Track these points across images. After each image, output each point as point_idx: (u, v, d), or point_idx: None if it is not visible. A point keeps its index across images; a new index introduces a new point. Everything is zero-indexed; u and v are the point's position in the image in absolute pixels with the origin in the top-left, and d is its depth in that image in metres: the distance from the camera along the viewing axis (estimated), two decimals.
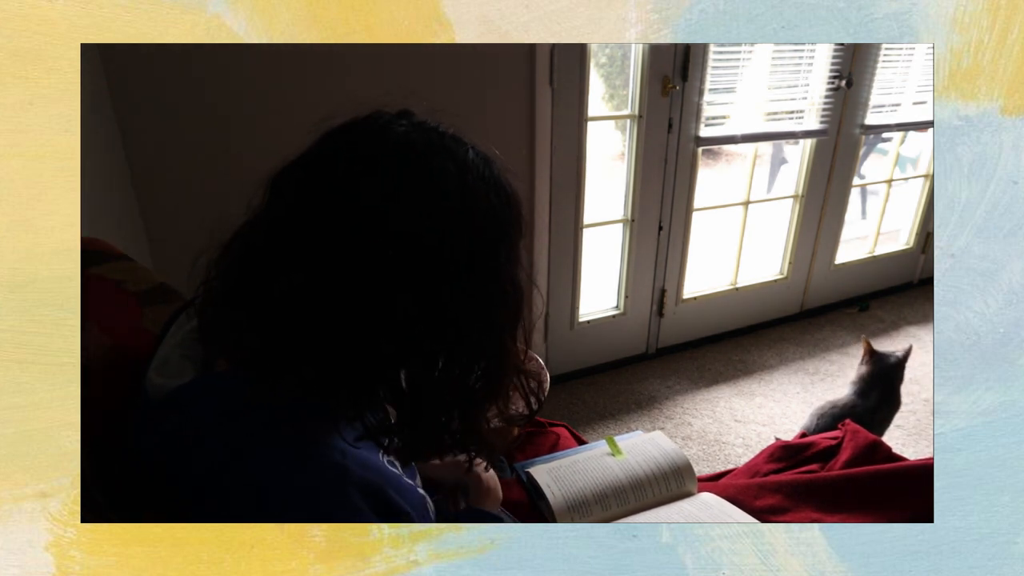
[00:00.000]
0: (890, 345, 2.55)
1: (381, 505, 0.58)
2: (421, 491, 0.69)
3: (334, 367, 0.55)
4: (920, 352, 2.51)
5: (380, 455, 0.65)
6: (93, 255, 0.86)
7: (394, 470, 0.64)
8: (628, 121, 2.10)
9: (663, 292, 2.37)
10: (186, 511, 0.57)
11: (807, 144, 2.48)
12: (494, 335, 0.58)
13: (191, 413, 0.57)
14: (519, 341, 0.61)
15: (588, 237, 2.15)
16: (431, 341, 0.56)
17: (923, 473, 0.92)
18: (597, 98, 4.46)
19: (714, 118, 2.21)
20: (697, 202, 2.32)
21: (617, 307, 2.35)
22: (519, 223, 0.59)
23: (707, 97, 2.14)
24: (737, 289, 2.56)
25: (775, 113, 2.35)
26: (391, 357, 0.56)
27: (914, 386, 2.25)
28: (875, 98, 2.49)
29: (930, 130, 2.82)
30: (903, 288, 3.04)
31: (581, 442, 1.13)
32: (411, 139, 0.56)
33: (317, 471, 0.55)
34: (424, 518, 0.66)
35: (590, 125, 1.98)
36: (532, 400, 0.65)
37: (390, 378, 0.58)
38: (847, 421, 1.10)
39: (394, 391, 0.58)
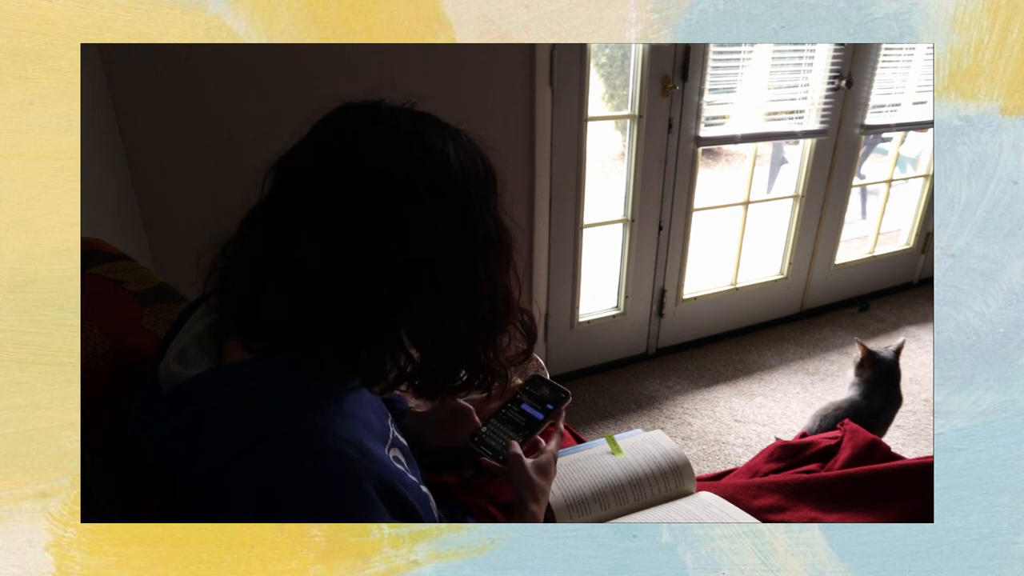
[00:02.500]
0: (889, 345, 2.56)
1: (391, 498, 0.60)
2: (424, 489, 0.69)
3: (352, 333, 0.58)
4: (920, 352, 2.51)
5: (386, 450, 0.65)
6: (93, 255, 0.86)
7: (399, 467, 0.65)
8: (628, 121, 2.10)
9: (663, 292, 2.37)
10: (193, 506, 0.57)
11: (807, 144, 2.48)
12: (492, 275, 0.63)
13: (197, 407, 0.57)
14: (512, 279, 0.66)
15: (588, 237, 2.15)
16: (434, 290, 0.60)
17: (923, 472, 0.92)
18: (597, 98, 4.46)
19: (714, 118, 2.21)
20: (697, 202, 2.32)
21: (617, 307, 2.35)
22: (495, 179, 0.65)
23: (707, 97, 2.14)
24: (737, 289, 2.56)
25: (775, 113, 2.35)
26: (401, 312, 0.60)
27: (914, 386, 2.25)
28: (875, 98, 2.49)
29: (930, 130, 2.83)
30: (903, 288, 3.04)
31: (580, 442, 1.13)
32: (397, 113, 0.61)
33: (331, 464, 0.55)
34: (428, 514, 0.66)
35: (590, 125, 1.98)
36: (526, 334, 0.71)
37: (400, 333, 0.62)
38: (846, 421, 1.10)
39: (408, 341, 0.62)
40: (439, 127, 0.62)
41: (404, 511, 0.62)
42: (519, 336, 0.71)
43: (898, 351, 1.68)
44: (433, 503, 0.70)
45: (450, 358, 0.64)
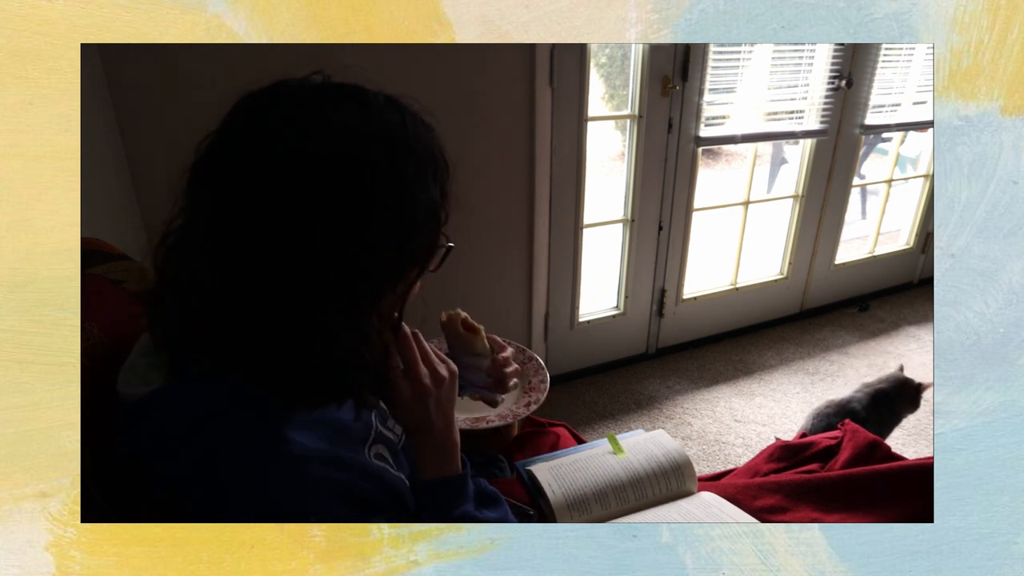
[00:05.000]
0: (889, 345, 2.56)
1: (366, 502, 0.60)
2: (403, 477, 0.68)
3: (278, 340, 0.55)
4: (920, 352, 2.51)
5: (366, 449, 0.65)
6: (93, 255, 0.86)
7: (379, 464, 0.64)
8: (628, 121, 2.10)
9: (663, 292, 2.37)
10: (168, 512, 0.58)
11: (807, 144, 2.48)
12: (403, 259, 0.59)
13: (154, 422, 0.57)
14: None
15: (588, 237, 2.15)
16: (350, 279, 0.56)
17: (923, 473, 0.92)
18: (597, 98, 4.46)
19: (714, 118, 2.21)
20: (697, 202, 2.32)
21: (617, 307, 2.35)
22: (417, 145, 0.58)
23: (707, 97, 2.14)
24: (737, 289, 2.56)
25: (775, 113, 2.35)
26: (323, 304, 0.55)
27: None
28: (875, 98, 2.49)
29: (930, 130, 2.83)
30: (903, 288, 3.04)
31: (581, 442, 1.13)
32: (298, 91, 0.57)
33: (282, 469, 0.55)
34: (400, 505, 0.66)
35: (590, 125, 1.98)
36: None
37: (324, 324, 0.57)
38: (847, 421, 1.10)
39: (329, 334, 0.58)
40: (348, 95, 0.57)
41: (379, 508, 0.62)
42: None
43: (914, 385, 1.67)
44: (411, 500, 0.69)
45: (362, 356, 0.59)
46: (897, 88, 2.57)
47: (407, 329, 0.69)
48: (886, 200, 2.87)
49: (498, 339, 0.93)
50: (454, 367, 0.72)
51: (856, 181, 2.69)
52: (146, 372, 0.61)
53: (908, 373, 1.69)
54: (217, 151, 0.56)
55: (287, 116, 0.55)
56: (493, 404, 0.94)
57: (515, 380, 0.92)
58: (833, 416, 1.61)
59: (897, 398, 1.65)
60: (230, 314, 0.55)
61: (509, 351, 0.92)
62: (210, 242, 0.55)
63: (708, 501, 0.95)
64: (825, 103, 2.37)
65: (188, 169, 0.57)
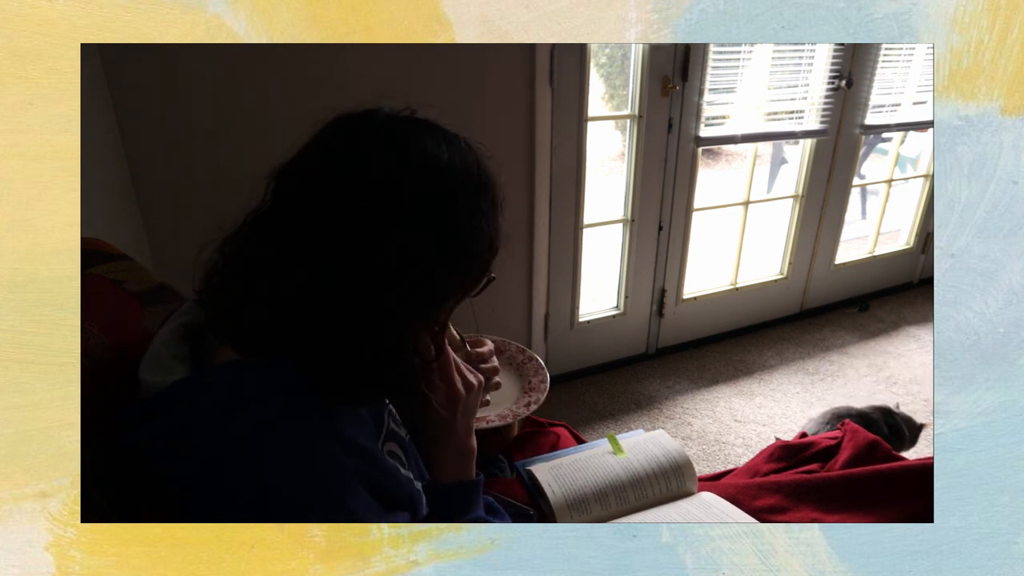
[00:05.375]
0: (889, 345, 2.56)
1: (381, 493, 0.60)
2: (418, 485, 0.69)
3: (344, 338, 0.58)
4: (920, 352, 2.51)
5: (380, 444, 0.65)
6: (93, 255, 0.86)
7: (392, 462, 0.65)
8: (628, 121, 2.10)
9: (663, 292, 2.37)
10: (185, 506, 0.57)
11: (807, 144, 2.48)
12: (464, 285, 0.65)
13: (182, 409, 0.57)
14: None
15: (588, 237, 2.15)
16: (415, 292, 0.60)
17: (923, 473, 0.92)
18: (597, 98, 4.46)
19: (714, 118, 2.21)
20: (697, 202, 2.32)
21: (617, 307, 2.35)
22: (492, 186, 0.64)
23: (707, 97, 2.14)
24: (737, 289, 2.56)
25: (775, 113, 2.35)
26: (390, 313, 0.59)
27: (914, 386, 2.25)
28: (875, 98, 2.49)
29: (930, 130, 2.83)
30: (903, 288, 3.04)
31: (581, 442, 1.13)
32: (394, 119, 0.62)
33: (318, 460, 0.55)
34: (418, 511, 0.66)
35: (590, 125, 1.98)
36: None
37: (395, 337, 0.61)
38: (847, 421, 1.10)
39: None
40: (435, 132, 0.62)
41: (393, 506, 0.62)
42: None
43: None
44: (424, 500, 0.69)
45: (405, 361, 0.64)
46: (897, 88, 2.57)
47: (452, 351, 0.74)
48: (886, 200, 2.87)
49: (482, 338, 0.92)
50: (481, 377, 0.77)
51: (856, 181, 2.69)
52: (169, 362, 0.61)
53: (908, 373, 1.70)
54: (313, 161, 0.60)
55: (386, 141, 0.59)
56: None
57: (496, 378, 0.89)
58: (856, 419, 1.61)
59: (897, 434, 1.66)
60: (296, 309, 0.57)
61: (488, 346, 0.91)
62: (292, 242, 0.58)
63: (708, 501, 0.95)
64: (825, 103, 2.37)
65: (276, 170, 0.61)
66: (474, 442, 0.76)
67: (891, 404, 1.70)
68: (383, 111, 0.62)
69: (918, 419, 1.73)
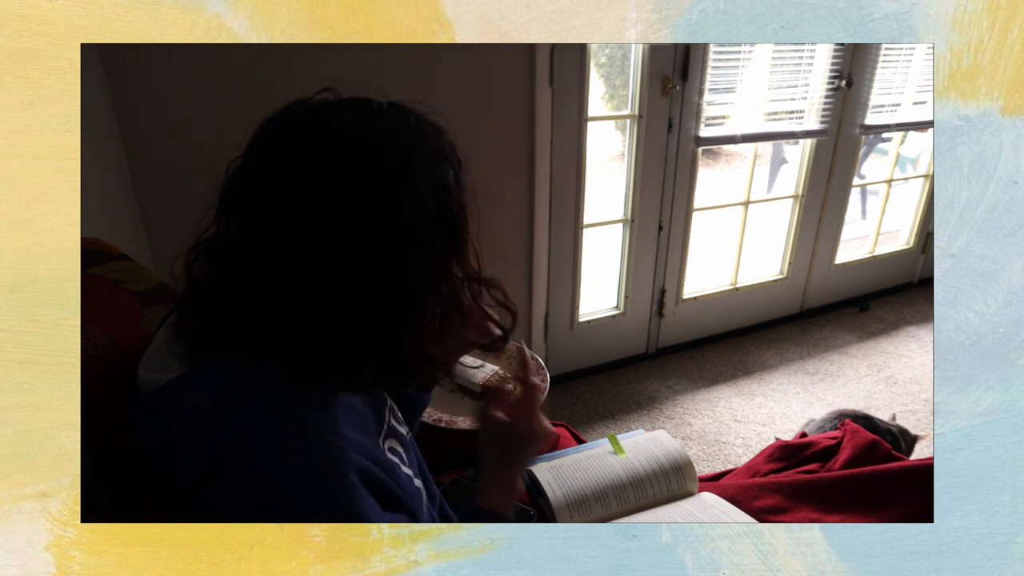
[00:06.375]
0: (889, 345, 2.56)
1: (380, 489, 0.59)
2: (417, 483, 0.69)
3: (317, 331, 0.58)
4: (920, 352, 2.51)
5: (380, 440, 0.65)
6: (93, 255, 0.86)
7: (392, 458, 0.65)
8: (628, 121, 2.10)
9: (663, 292, 2.37)
10: (183, 506, 0.57)
11: (807, 144, 2.48)
12: (436, 257, 0.62)
13: (178, 409, 0.57)
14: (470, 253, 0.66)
15: (588, 237, 2.15)
16: (381, 275, 0.59)
17: (923, 473, 0.92)
18: (597, 98, 4.46)
19: (714, 118, 2.21)
20: (697, 202, 2.32)
21: (617, 307, 2.35)
22: (435, 148, 0.62)
23: (707, 97, 2.14)
24: (737, 289, 2.56)
25: (775, 113, 2.35)
26: (354, 301, 0.58)
27: (914, 386, 2.25)
28: (875, 98, 2.50)
29: (930, 130, 2.83)
30: (903, 288, 3.04)
31: (581, 442, 1.13)
32: (317, 106, 0.61)
33: (317, 455, 0.55)
34: (418, 509, 0.66)
35: (590, 125, 1.98)
36: (504, 318, 0.70)
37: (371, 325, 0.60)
38: (847, 421, 1.10)
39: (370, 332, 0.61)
40: (351, 108, 0.61)
41: (393, 503, 0.62)
42: (483, 316, 0.69)
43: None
44: (425, 498, 0.69)
45: (401, 349, 0.62)
46: (897, 88, 2.57)
47: (536, 381, 0.76)
48: (886, 200, 2.87)
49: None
50: (553, 430, 0.79)
51: (856, 181, 2.69)
52: (167, 361, 0.61)
53: (908, 373, 1.69)
54: (243, 171, 0.60)
55: (299, 133, 0.59)
56: (476, 391, 0.86)
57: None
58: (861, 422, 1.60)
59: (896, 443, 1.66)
60: (270, 307, 0.58)
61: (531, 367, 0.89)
62: (248, 248, 0.59)
63: (708, 502, 0.95)
64: (825, 103, 2.37)
65: (221, 187, 0.61)
66: (522, 485, 0.79)
67: (889, 409, 1.69)
68: (298, 103, 0.62)
69: (919, 420, 1.73)
